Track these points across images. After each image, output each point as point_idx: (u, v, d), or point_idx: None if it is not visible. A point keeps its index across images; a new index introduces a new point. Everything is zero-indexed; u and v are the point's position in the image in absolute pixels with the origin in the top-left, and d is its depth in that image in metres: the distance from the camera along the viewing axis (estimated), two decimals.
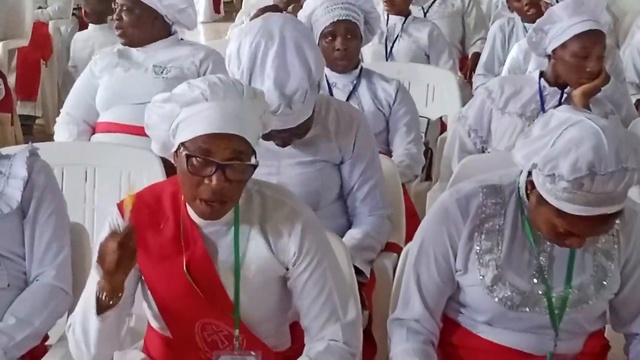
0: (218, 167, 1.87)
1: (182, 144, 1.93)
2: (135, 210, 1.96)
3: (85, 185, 3.06)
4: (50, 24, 6.48)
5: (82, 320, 1.96)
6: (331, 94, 3.44)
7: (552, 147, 1.79)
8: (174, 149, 2.00)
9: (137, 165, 3.10)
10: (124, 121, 3.50)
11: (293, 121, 2.55)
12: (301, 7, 4.11)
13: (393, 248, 2.88)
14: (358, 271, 2.56)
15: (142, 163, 3.09)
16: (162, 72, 3.56)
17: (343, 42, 3.41)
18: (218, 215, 1.98)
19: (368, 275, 2.63)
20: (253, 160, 1.94)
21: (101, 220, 2.59)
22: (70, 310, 2.22)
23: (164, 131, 2.01)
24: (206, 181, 1.89)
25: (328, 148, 2.76)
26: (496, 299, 2.04)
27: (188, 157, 1.90)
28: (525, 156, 1.87)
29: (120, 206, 2.05)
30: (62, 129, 3.63)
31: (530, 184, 1.92)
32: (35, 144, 2.50)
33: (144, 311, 2.19)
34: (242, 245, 2.05)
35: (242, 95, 1.97)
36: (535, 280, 2.06)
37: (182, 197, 2.06)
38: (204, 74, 3.55)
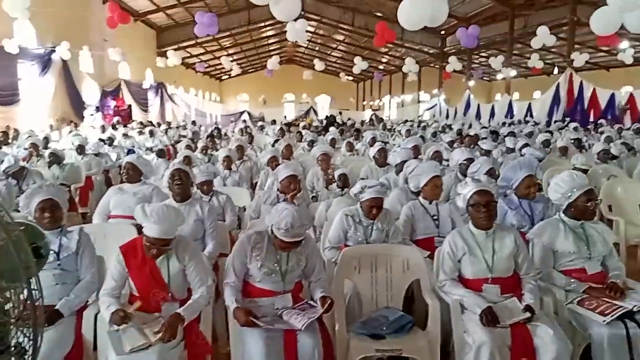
0: (157, 249, 2.52)
1: (144, 234, 2.51)
2: (127, 247, 2.61)
3: (104, 240, 3.36)
4: (93, 177, 7.39)
5: (103, 308, 2.51)
6: None
7: (279, 217, 2.50)
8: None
9: (126, 231, 3.43)
10: (121, 214, 4.10)
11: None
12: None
13: (225, 255, 3.34)
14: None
15: (128, 230, 3.48)
16: (136, 195, 4.15)
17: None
18: (159, 257, 2.58)
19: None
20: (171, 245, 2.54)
21: (110, 253, 2.92)
22: (99, 290, 2.68)
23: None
24: (152, 251, 2.51)
25: (201, 212, 3.53)
26: (262, 271, 2.64)
27: (146, 241, 2.51)
28: (269, 220, 2.58)
29: (121, 248, 2.61)
30: (96, 218, 4.18)
31: (272, 230, 2.57)
32: (84, 226, 3.07)
33: (129, 287, 2.68)
34: (169, 261, 2.62)
35: (175, 217, 2.55)
36: (275, 265, 2.64)
37: (145, 242, 2.55)
38: (154, 195, 4.17)
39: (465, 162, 4.90)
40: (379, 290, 3.00)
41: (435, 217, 3.60)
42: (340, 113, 22.87)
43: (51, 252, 2.70)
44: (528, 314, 2.52)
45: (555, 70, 21.41)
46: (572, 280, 2.82)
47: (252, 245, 2.63)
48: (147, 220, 2.46)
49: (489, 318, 2.50)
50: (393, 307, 2.91)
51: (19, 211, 4.91)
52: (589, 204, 2.88)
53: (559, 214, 3.02)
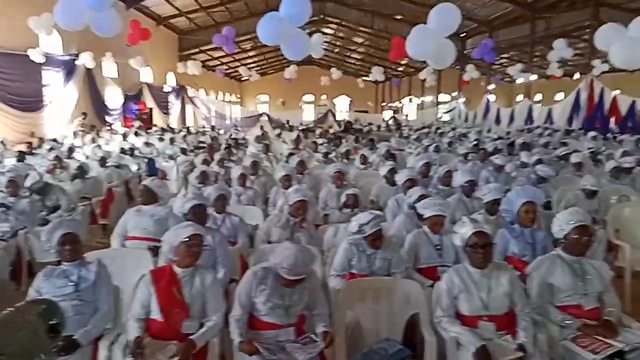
0: (197, 245, 2.73)
1: (182, 241, 2.70)
2: (157, 270, 2.80)
3: (121, 265, 3.45)
4: (114, 188, 7.43)
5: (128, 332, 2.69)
6: None
7: (282, 257, 2.62)
8: (175, 244, 2.71)
9: (141, 257, 3.67)
10: (138, 235, 4.20)
11: None
12: None
13: (235, 280, 3.53)
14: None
15: (144, 255, 3.68)
16: (152, 217, 4.25)
17: None
18: (194, 264, 2.75)
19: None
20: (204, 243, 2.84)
21: (129, 280, 3.11)
22: (115, 319, 2.93)
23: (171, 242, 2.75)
24: (194, 249, 2.68)
25: (212, 243, 3.58)
26: (267, 306, 2.74)
27: (186, 243, 2.70)
28: (273, 259, 2.69)
29: (152, 271, 2.79)
30: (115, 240, 4.24)
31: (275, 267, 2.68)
32: (103, 251, 3.36)
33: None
34: (193, 281, 2.76)
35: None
36: (277, 301, 2.74)
37: (173, 266, 2.74)
38: (170, 217, 4.23)
39: (467, 184, 4.99)
40: (380, 321, 3.10)
41: (439, 247, 3.68)
42: (356, 121, 22.81)
43: (71, 284, 2.89)
44: (520, 354, 2.60)
45: (577, 75, 21.07)
46: (568, 317, 2.90)
47: (259, 281, 2.74)
48: (178, 229, 2.75)
49: (483, 357, 2.58)
50: (392, 340, 3.01)
51: (42, 225, 5.17)
52: (579, 237, 2.95)
53: (557, 249, 3.08)
